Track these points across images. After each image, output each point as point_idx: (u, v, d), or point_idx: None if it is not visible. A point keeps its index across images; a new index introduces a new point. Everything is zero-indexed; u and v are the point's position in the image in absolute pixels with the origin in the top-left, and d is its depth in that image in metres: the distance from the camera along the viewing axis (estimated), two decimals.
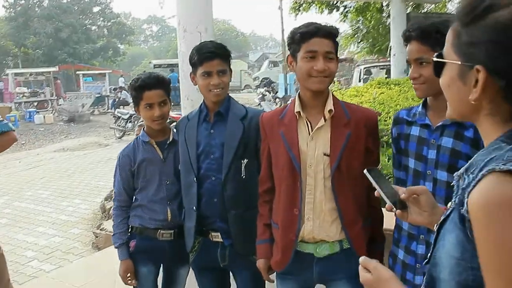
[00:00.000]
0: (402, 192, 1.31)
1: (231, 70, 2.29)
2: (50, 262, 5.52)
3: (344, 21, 18.18)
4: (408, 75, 1.83)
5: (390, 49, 11.31)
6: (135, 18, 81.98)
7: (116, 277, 4.23)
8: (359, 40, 19.75)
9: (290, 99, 18.51)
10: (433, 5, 16.71)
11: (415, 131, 1.84)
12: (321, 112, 1.91)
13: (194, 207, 2.24)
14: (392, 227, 2.01)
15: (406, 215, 1.31)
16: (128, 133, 15.79)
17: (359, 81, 18.15)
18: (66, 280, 4.31)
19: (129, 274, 2.47)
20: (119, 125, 15.81)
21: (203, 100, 2.30)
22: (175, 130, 2.45)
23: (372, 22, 17.35)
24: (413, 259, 1.83)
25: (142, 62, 57.04)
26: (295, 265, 1.98)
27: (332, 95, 1.96)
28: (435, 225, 1.08)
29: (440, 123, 1.76)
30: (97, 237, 6.03)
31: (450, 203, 1.03)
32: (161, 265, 2.58)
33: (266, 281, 2.19)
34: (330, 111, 1.89)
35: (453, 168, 1.66)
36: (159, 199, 2.44)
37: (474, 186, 0.88)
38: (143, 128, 2.55)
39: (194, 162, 2.23)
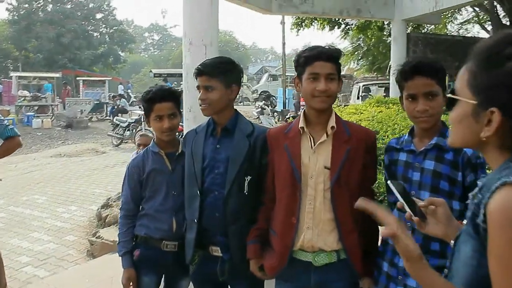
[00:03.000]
0: (421, 202, 1.39)
1: (224, 87, 2.25)
2: (44, 268, 5.51)
3: (345, 38, 18.37)
4: (414, 109, 1.91)
5: (389, 68, 11.43)
6: (137, 26, 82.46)
7: (112, 286, 4.26)
8: (359, 58, 19.91)
9: (289, 113, 18.60)
10: (432, 26, 16.92)
11: (402, 156, 2.02)
12: (324, 129, 2.06)
13: (196, 220, 2.27)
14: None
15: (424, 226, 1.38)
16: (125, 141, 15.80)
17: (357, 98, 18.28)
18: (62, 286, 4.30)
19: (131, 283, 2.48)
20: (117, 133, 15.83)
21: None
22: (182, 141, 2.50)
23: (373, 40, 17.52)
24: (395, 271, 1.96)
25: (142, 70, 57.15)
26: (293, 273, 2.09)
27: (335, 113, 2.10)
28: (452, 241, 1.18)
29: (423, 148, 1.93)
30: (92, 244, 6.01)
31: (465, 220, 1.13)
32: (163, 275, 2.60)
33: None
34: (332, 127, 2.05)
35: (435, 189, 1.85)
36: (166, 209, 2.47)
37: (489, 197, 0.98)
38: (153, 139, 2.58)
39: (199, 176, 2.26)
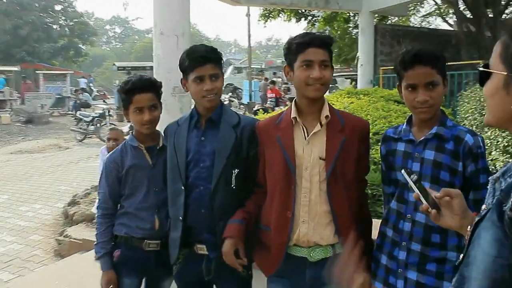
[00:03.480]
0: (436, 193, 1.36)
1: (223, 74, 2.23)
2: (8, 271, 5.23)
3: (311, 30, 18.42)
4: (414, 99, 1.84)
5: (357, 60, 11.49)
6: (98, 18, 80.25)
7: (83, 287, 4.07)
8: None
9: (256, 106, 18.54)
10: (396, 18, 17.13)
11: (401, 146, 1.96)
12: (317, 118, 1.99)
13: (181, 217, 2.15)
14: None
15: (439, 217, 1.34)
16: (89, 136, 15.40)
17: None
18: None
19: (111, 286, 2.33)
20: (81, 128, 15.42)
21: (194, 106, 2.23)
22: (163, 134, 2.36)
23: (339, 32, 17.65)
24: (395, 264, 1.91)
25: (104, 64, 55.89)
26: (287, 269, 2.02)
27: (328, 102, 2.02)
28: (469, 226, 1.14)
29: (423, 138, 1.87)
30: (60, 244, 5.78)
31: (484, 205, 1.09)
32: (144, 276, 2.47)
33: None
34: (326, 117, 1.98)
35: (436, 179, 1.81)
36: (147, 206, 2.34)
37: None
38: (132, 133, 2.43)
39: (183, 170, 2.15)
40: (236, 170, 2.11)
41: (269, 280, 2.11)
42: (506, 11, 13.98)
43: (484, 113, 4.47)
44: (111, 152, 2.49)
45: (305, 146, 1.97)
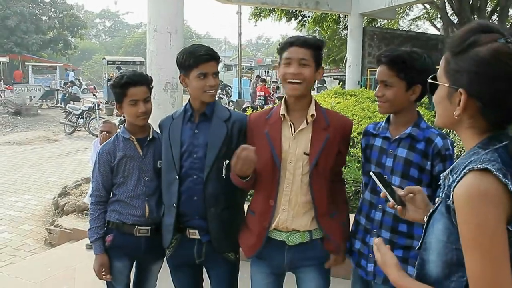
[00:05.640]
0: (401, 191, 1.55)
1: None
2: None
3: (301, 30, 18.61)
4: (374, 93, 2.13)
5: (345, 60, 11.71)
6: (88, 11, 79.59)
7: (75, 274, 4.21)
8: None
9: (245, 103, 18.63)
10: (385, 21, 17.40)
11: (378, 142, 2.15)
12: (304, 116, 2.14)
13: (174, 204, 2.31)
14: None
15: (404, 212, 1.54)
16: (79, 129, 15.40)
17: (313, 89, 18.55)
18: (22, 276, 4.20)
19: (104, 269, 2.49)
20: (70, 121, 15.41)
21: (189, 101, 2.38)
22: (158, 128, 2.51)
23: (328, 33, 17.85)
24: (366, 249, 2.12)
25: (93, 57, 55.48)
26: (268, 251, 2.19)
27: (315, 101, 2.18)
28: (425, 217, 1.32)
29: (398, 136, 2.06)
30: (50, 233, 5.89)
31: (437, 198, 1.27)
32: (135, 260, 2.62)
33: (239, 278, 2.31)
34: (312, 115, 2.12)
35: (405, 175, 2.01)
36: (138, 195, 2.49)
37: (458, 182, 1.12)
38: (124, 125, 2.58)
39: (177, 161, 2.30)
40: (227, 161, 2.25)
41: (252, 263, 2.29)
42: (492, 18, 14.32)
43: None
44: (104, 143, 2.62)
45: (291, 142, 2.12)
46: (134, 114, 2.45)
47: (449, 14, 14.07)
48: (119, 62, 26.28)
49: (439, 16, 16.59)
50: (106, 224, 2.55)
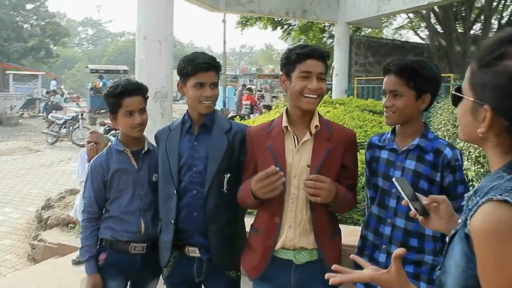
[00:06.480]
0: (424, 200, 1.45)
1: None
2: None
3: (287, 39, 18.65)
4: (382, 103, 2.04)
5: (332, 69, 11.69)
6: (70, 20, 78.57)
7: None
8: None
9: (231, 112, 18.51)
10: (370, 30, 17.49)
11: (384, 154, 2.08)
12: (307, 127, 2.04)
13: (172, 221, 2.19)
14: (348, 243, 2.30)
15: (427, 222, 1.46)
16: (61, 139, 15.11)
17: None
18: None
19: None
20: (53, 130, 15.10)
21: (187, 111, 2.26)
22: (154, 140, 2.38)
23: (314, 42, 17.90)
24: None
25: (76, 66, 54.86)
26: (273, 271, 2.06)
27: (317, 112, 2.08)
28: (447, 238, 1.22)
29: (405, 148, 1.99)
30: (33, 248, 5.67)
31: (460, 219, 1.18)
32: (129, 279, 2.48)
33: None
34: (316, 126, 2.02)
35: (415, 187, 1.87)
36: (133, 210, 2.36)
37: (475, 211, 1.01)
38: (117, 137, 2.45)
39: (175, 174, 2.18)
40: (228, 175, 2.16)
41: (255, 283, 2.16)
42: (474, 27, 14.51)
43: (456, 124, 4.65)
44: (96, 156, 2.49)
45: (295, 154, 2.02)
46: (129, 125, 2.32)
47: (433, 23, 14.21)
48: (103, 71, 25.97)
49: (422, 25, 16.78)
50: (99, 242, 2.40)
